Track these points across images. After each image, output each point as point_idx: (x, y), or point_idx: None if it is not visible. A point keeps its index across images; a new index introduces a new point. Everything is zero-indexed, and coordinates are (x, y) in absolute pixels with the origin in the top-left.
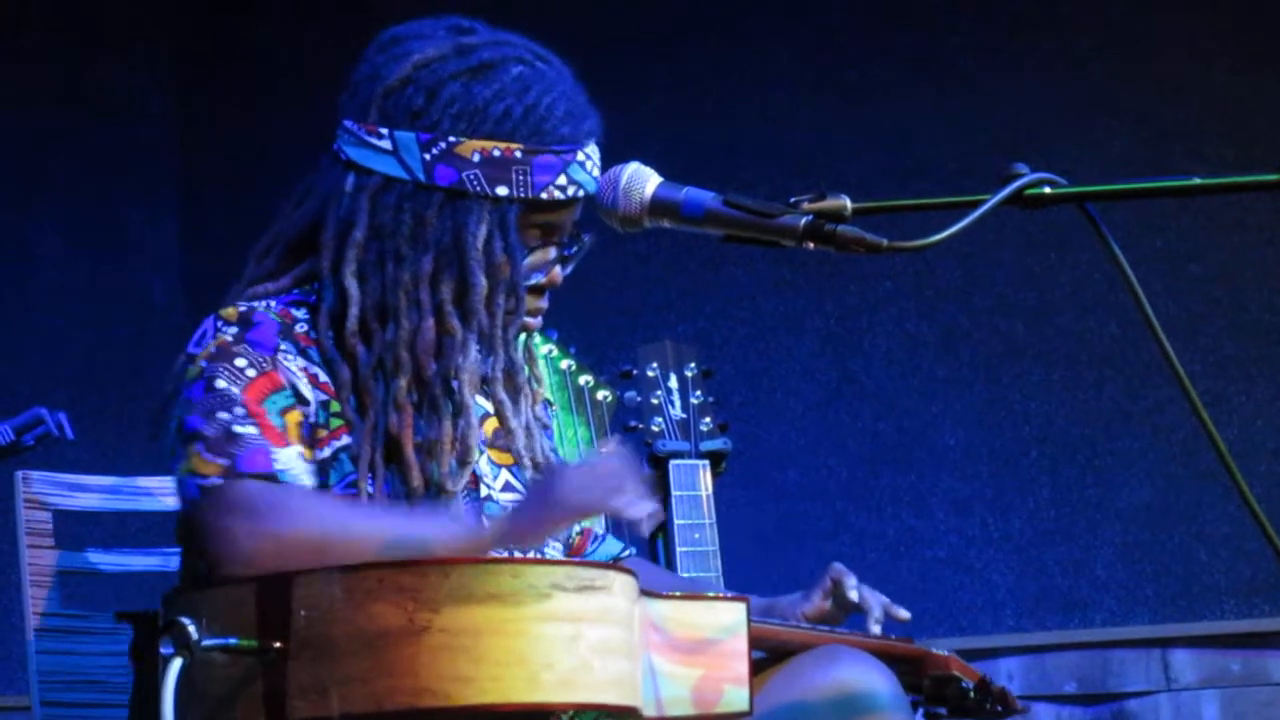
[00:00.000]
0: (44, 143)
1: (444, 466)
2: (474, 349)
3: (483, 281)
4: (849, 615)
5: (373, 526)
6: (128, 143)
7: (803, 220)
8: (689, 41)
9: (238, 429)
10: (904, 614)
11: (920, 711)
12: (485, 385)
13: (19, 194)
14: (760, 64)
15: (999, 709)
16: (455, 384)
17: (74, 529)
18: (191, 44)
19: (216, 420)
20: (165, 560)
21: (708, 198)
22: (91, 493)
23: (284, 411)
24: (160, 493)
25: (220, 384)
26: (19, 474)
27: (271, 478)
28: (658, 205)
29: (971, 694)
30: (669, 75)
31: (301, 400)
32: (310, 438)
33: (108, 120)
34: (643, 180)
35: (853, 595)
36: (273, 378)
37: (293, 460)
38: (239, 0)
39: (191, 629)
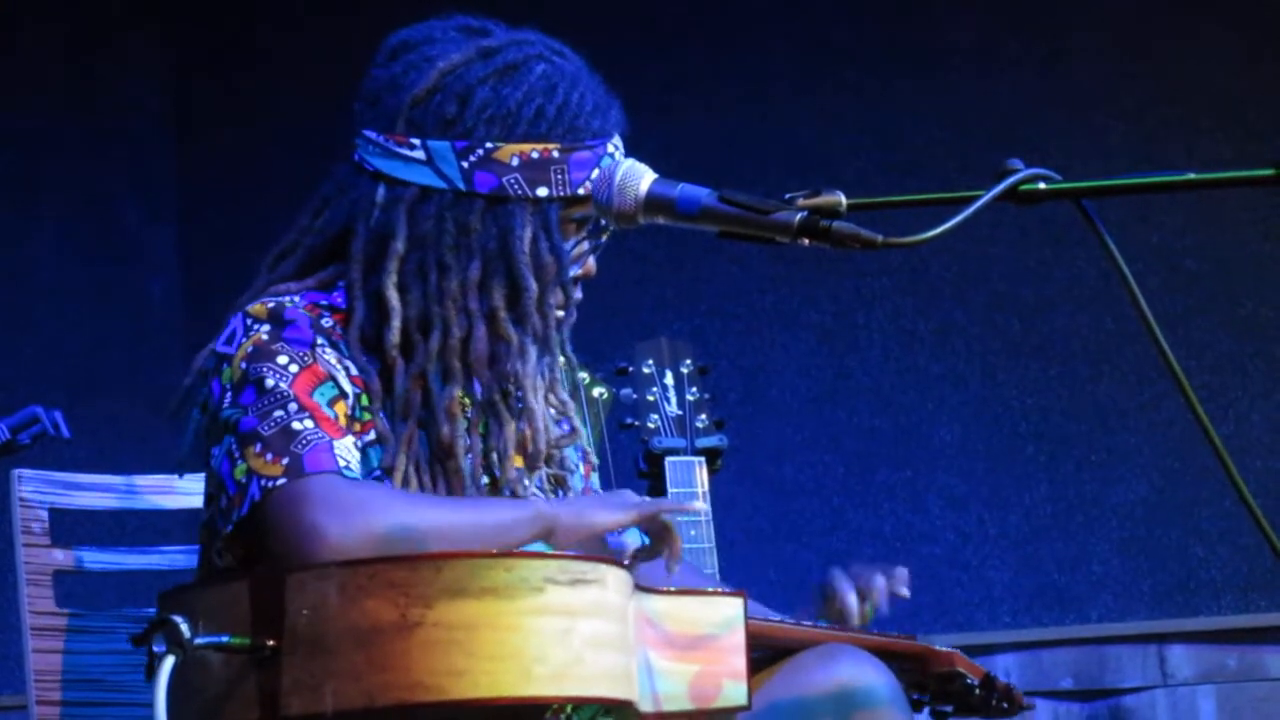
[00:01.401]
0: (42, 142)
1: (508, 473)
2: (533, 353)
3: (533, 284)
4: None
5: (459, 517)
6: (126, 142)
7: (798, 216)
8: (684, 38)
9: (295, 425)
10: (904, 590)
11: (926, 710)
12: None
13: (18, 193)
14: (756, 60)
15: (1005, 705)
16: (519, 391)
17: (70, 528)
18: (190, 44)
19: (272, 419)
20: (162, 559)
21: (703, 194)
22: (88, 491)
23: (333, 402)
24: (157, 491)
25: (269, 383)
26: (15, 473)
27: (337, 474)
28: (653, 202)
29: (977, 691)
30: (664, 72)
31: (342, 392)
32: (351, 428)
33: (106, 120)
34: (638, 177)
35: (850, 601)
36: (315, 370)
37: (350, 451)
38: (238, 1)
39: (184, 627)
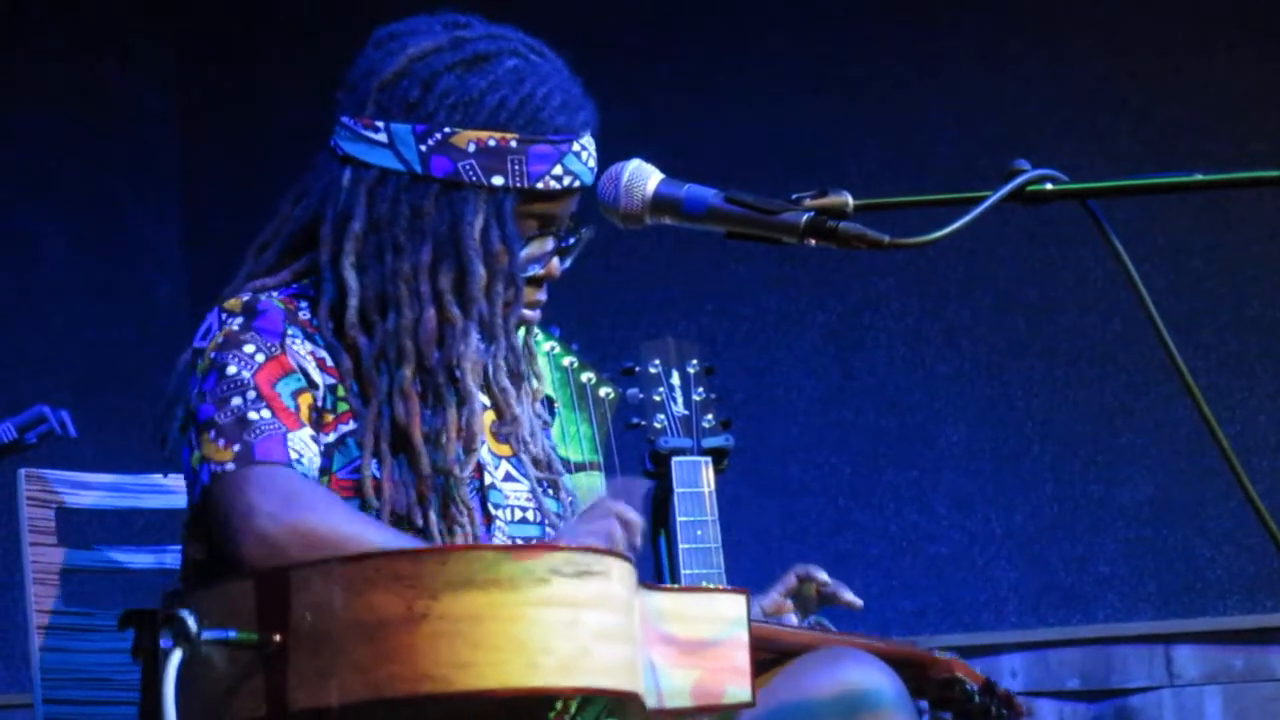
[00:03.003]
0: (47, 142)
1: (450, 454)
2: (475, 338)
3: (481, 271)
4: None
5: (389, 540)
6: (130, 142)
7: (804, 217)
8: (690, 38)
9: (251, 414)
10: (851, 597)
11: (926, 716)
12: (487, 375)
13: (23, 193)
14: (762, 60)
15: (1004, 712)
16: (458, 373)
17: (77, 526)
18: (193, 44)
19: (230, 407)
20: (168, 558)
21: (709, 194)
22: (94, 490)
23: (296, 394)
24: (163, 490)
25: (231, 370)
26: (22, 471)
27: (287, 467)
28: (659, 202)
29: (976, 697)
30: (670, 72)
31: (311, 384)
32: (318, 421)
33: (110, 120)
34: (644, 177)
35: (826, 586)
36: (282, 362)
37: (306, 444)
38: (242, 1)
39: (191, 622)
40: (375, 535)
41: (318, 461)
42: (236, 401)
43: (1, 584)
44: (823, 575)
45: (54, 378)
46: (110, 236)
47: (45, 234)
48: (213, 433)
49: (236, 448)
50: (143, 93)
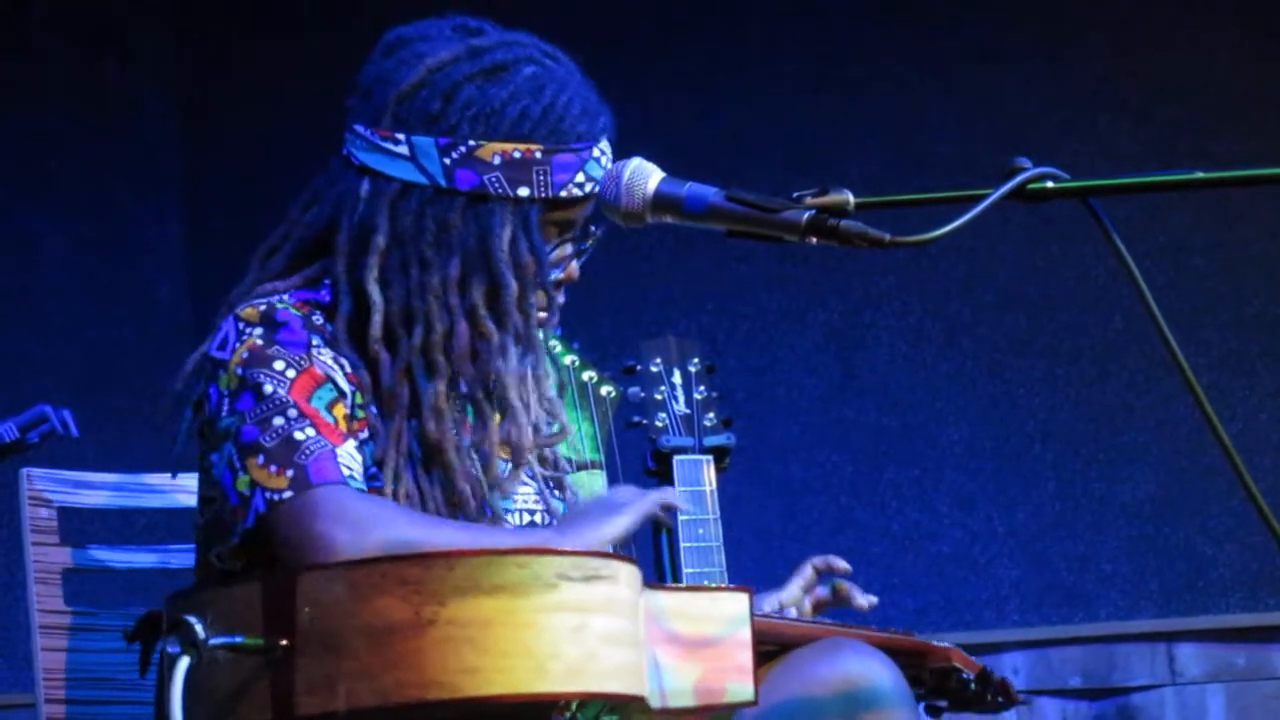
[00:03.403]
0: (48, 142)
1: (494, 469)
2: (513, 351)
3: (513, 283)
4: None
5: (468, 541)
6: (132, 142)
7: (805, 215)
8: (691, 37)
9: (297, 434)
10: (864, 601)
11: (921, 705)
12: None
13: (24, 193)
14: (763, 59)
15: (1000, 700)
16: (495, 386)
17: (79, 526)
18: (194, 43)
19: (272, 428)
20: (170, 557)
21: (710, 193)
22: (96, 490)
23: (331, 406)
24: (165, 490)
25: (268, 389)
26: (24, 471)
27: (343, 485)
28: (660, 201)
29: (972, 685)
30: (671, 70)
31: (341, 392)
32: (351, 429)
33: (111, 119)
34: (645, 176)
35: (849, 572)
36: (313, 374)
37: (352, 457)
38: (245, 0)
39: (198, 627)
40: (443, 536)
41: (363, 474)
42: (279, 422)
43: (3, 584)
44: (842, 563)
45: (54, 378)
46: (110, 236)
47: (45, 234)
48: (261, 457)
49: (290, 473)
50: (143, 93)
